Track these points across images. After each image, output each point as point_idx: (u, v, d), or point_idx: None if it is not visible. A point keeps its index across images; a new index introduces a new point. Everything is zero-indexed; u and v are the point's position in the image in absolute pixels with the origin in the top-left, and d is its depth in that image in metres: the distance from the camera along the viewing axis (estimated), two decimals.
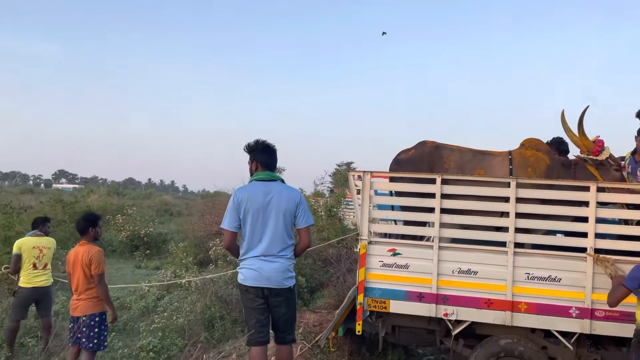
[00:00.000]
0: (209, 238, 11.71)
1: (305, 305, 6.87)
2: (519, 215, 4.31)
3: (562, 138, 5.12)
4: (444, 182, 4.47)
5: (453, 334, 4.52)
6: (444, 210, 4.46)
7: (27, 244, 5.69)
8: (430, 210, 4.51)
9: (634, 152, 4.73)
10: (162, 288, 8.43)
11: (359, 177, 4.66)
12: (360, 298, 4.53)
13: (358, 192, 4.66)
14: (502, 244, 4.35)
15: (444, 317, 4.42)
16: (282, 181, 3.75)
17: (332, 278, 7.78)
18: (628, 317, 3.93)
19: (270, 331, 3.73)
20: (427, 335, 4.84)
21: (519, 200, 4.31)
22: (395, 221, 5.07)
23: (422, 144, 5.00)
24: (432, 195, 4.48)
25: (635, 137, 4.82)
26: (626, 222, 4.40)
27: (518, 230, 4.31)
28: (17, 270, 5.68)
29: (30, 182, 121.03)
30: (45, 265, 5.73)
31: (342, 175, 22.49)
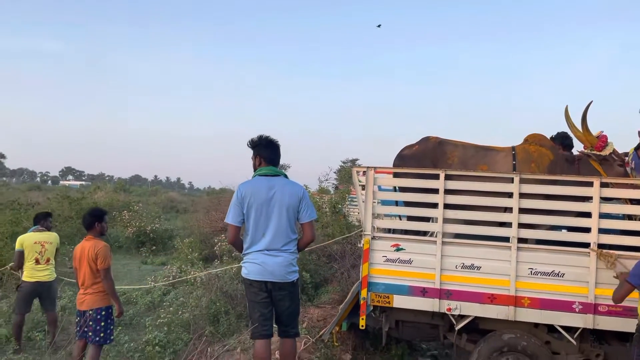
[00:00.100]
0: (215, 234, 11.75)
1: (310, 300, 6.90)
2: (522, 211, 4.32)
3: (566, 133, 5.12)
4: (448, 177, 4.48)
5: (456, 328, 4.53)
6: (447, 206, 4.47)
7: (28, 240, 5.75)
8: (434, 205, 4.52)
9: (637, 148, 4.72)
10: (168, 283, 8.48)
11: (363, 173, 4.68)
12: (363, 293, 4.55)
13: (362, 187, 4.68)
14: (506, 239, 4.36)
15: (447, 312, 4.44)
16: (286, 176, 3.78)
17: (336, 274, 7.80)
18: (631, 312, 3.93)
19: (274, 325, 3.76)
20: (431, 330, 4.87)
21: (522, 195, 4.32)
22: (400, 217, 5.09)
23: (426, 139, 5.01)
24: (435, 191, 4.49)
25: (639, 132, 4.80)
26: (630, 217, 4.40)
27: (521, 225, 4.31)
28: (20, 266, 5.74)
29: (38, 179, 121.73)
30: (48, 260, 5.78)
31: (346, 172, 22.46)
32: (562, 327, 4.29)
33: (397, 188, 4.95)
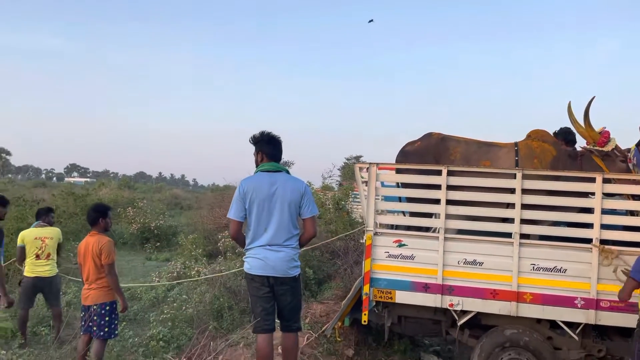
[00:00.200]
0: (218, 230, 11.80)
1: (313, 296, 6.92)
2: (525, 207, 4.32)
3: (568, 129, 5.11)
4: (450, 173, 4.49)
5: (459, 324, 4.55)
6: (449, 202, 4.48)
7: (29, 236, 5.79)
8: (436, 201, 4.53)
9: (638, 144, 4.72)
10: (171, 279, 8.53)
11: (366, 169, 4.69)
12: (366, 288, 4.57)
13: (365, 184, 4.70)
14: (508, 235, 4.37)
15: (449, 308, 4.45)
16: (287, 172, 3.79)
17: (339, 270, 7.82)
18: (632, 308, 3.93)
19: (277, 320, 3.78)
20: (433, 326, 4.88)
21: (525, 191, 4.32)
22: (404, 213, 5.10)
23: (428, 135, 5.01)
24: (438, 187, 4.50)
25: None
26: (632, 213, 4.40)
27: (524, 221, 4.32)
28: (22, 261, 5.78)
29: (43, 175, 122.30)
30: (49, 256, 5.80)
31: (350, 169, 22.49)
32: (564, 322, 4.30)
33: (399, 184, 4.95)
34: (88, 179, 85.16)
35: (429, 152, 4.88)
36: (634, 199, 4.32)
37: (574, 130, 4.89)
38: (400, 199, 5.14)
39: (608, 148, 4.52)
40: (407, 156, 4.95)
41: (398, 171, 4.83)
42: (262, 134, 3.80)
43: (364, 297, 4.58)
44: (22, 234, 5.85)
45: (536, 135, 4.83)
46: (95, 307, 4.54)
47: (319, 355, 4.76)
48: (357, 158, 35.64)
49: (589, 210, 4.30)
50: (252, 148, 3.85)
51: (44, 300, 6.13)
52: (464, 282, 4.42)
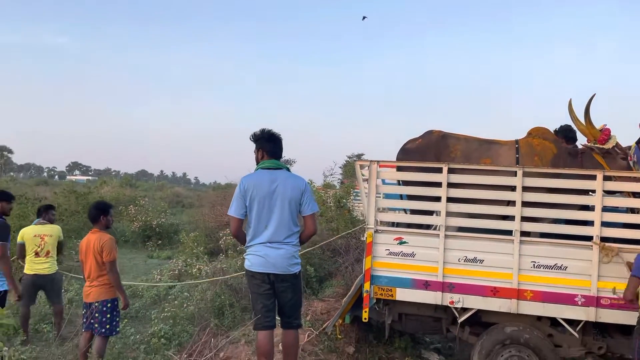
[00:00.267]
0: (220, 228, 11.81)
1: (314, 294, 6.93)
2: (526, 204, 4.32)
3: (569, 126, 5.11)
4: (451, 171, 4.49)
5: (459, 321, 4.56)
6: (450, 199, 4.49)
7: (28, 233, 5.80)
8: (437, 199, 4.53)
9: (638, 142, 4.71)
10: (173, 277, 8.55)
11: (367, 167, 4.69)
12: (366, 286, 4.58)
13: (366, 181, 4.70)
14: (509, 232, 4.37)
15: (450, 305, 4.46)
16: (288, 169, 3.80)
17: (340, 268, 7.82)
18: (632, 305, 3.93)
19: (277, 317, 3.79)
20: (434, 323, 4.89)
21: (526, 189, 4.32)
22: (405, 210, 5.10)
23: (429, 133, 5.02)
24: (438, 184, 4.50)
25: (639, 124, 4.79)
26: (632, 210, 4.40)
27: (524, 219, 4.32)
28: (22, 258, 5.79)
29: (45, 174, 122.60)
30: (48, 253, 5.80)
31: (352, 167, 22.46)
32: (564, 320, 4.30)
33: (400, 182, 4.96)
34: (90, 177, 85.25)
35: (429, 150, 4.88)
36: (634, 197, 4.32)
37: (575, 128, 4.88)
38: (401, 197, 5.15)
39: (609, 145, 4.52)
40: (408, 154, 4.95)
41: (399, 169, 4.83)
42: (263, 131, 3.81)
43: (364, 294, 4.59)
44: (22, 231, 5.86)
45: (537, 133, 4.83)
46: (96, 304, 4.56)
47: (319, 353, 4.77)
48: (359, 156, 35.59)
49: (589, 208, 4.30)
50: (253, 146, 3.86)
51: (46, 298, 6.14)
52: (465, 279, 4.42)
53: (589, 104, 4.56)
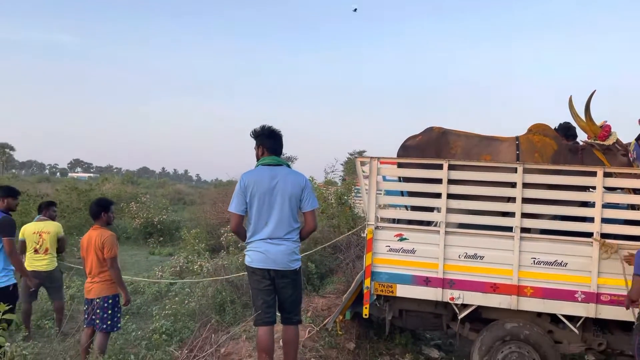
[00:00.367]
0: (221, 225, 11.84)
1: (315, 290, 6.94)
2: (526, 201, 4.32)
3: (569, 123, 5.10)
4: (451, 167, 4.50)
5: (459, 317, 4.57)
6: (450, 196, 4.49)
7: (28, 230, 5.84)
8: (437, 195, 4.53)
9: (637, 138, 4.71)
10: (174, 273, 8.57)
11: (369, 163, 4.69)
12: (367, 282, 4.59)
13: (366, 178, 4.71)
14: (509, 229, 4.37)
15: (450, 301, 4.47)
16: (288, 166, 3.80)
17: (341, 264, 7.83)
18: (633, 302, 3.93)
19: (277, 312, 3.80)
20: (434, 319, 4.90)
21: (526, 185, 4.33)
22: (406, 207, 5.11)
23: (429, 130, 5.02)
24: (439, 181, 4.51)
25: (639, 120, 4.78)
26: (633, 207, 4.40)
27: (524, 215, 4.32)
28: (23, 255, 5.81)
29: (47, 171, 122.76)
30: (47, 250, 5.83)
31: (353, 164, 22.44)
32: (564, 316, 4.31)
33: (401, 178, 4.96)
34: (91, 174, 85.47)
35: (430, 146, 4.89)
36: (634, 193, 4.32)
37: (575, 125, 4.88)
38: (402, 193, 5.15)
39: (609, 142, 4.51)
40: (409, 150, 4.96)
41: (399, 165, 4.83)
42: (263, 128, 3.81)
43: (365, 290, 4.60)
44: (23, 228, 5.89)
45: (537, 129, 4.83)
46: (98, 300, 4.58)
47: (320, 349, 4.78)
48: (361, 153, 35.60)
49: (589, 204, 4.30)
50: (253, 142, 3.87)
51: (48, 295, 6.17)
52: (465, 275, 4.43)
53: (589, 101, 4.56)
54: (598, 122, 4.59)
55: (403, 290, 4.57)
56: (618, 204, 4.56)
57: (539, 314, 4.47)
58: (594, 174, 4.19)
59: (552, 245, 4.28)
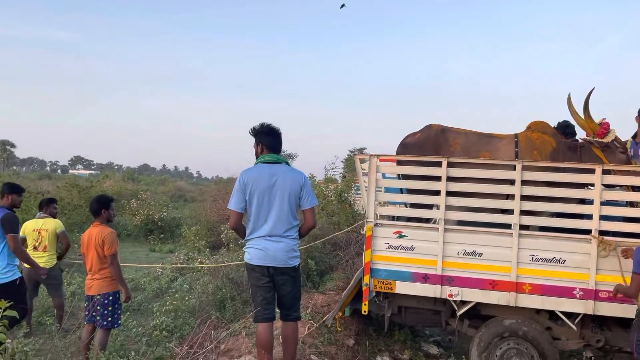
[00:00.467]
0: (221, 222, 11.86)
1: (315, 287, 6.97)
2: (524, 198, 4.34)
3: (568, 121, 5.11)
4: (450, 164, 4.51)
5: (458, 314, 4.59)
6: (449, 193, 4.51)
7: (28, 227, 5.88)
8: (436, 192, 4.55)
9: (634, 136, 4.72)
10: (175, 270, 8.59)
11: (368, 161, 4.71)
12: (366, 279, 4.61)
13: (365, 175, 4.72)
14: (507, 226, 4.39)
15: (449, 298, 4.49)
16: (287, 163, 3.81)
17: (341, 261, 7.86)
18: (630, 298, 3.95)
19: (277, 309, 3.82)
20: (433, 316, 4.93)
21: (525, 182, 4.34)
22: (405, 204, 5.13)
23: (429, 127, 5.03)
24: (438, 178, 4.52)
25: (636, 117, 4.79)
26: (631, 204, 4.41)
27: (523, 212, 4.34)
28: None
29: (48, 168, 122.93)
30: (45, 248, 5.85)
31: (353, 161, 22.41)
32: (563, 313, 4.33)
33: (400, 176, 4.98)
34: (92, 171, 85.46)
35: (429, 144, 4.90)
36: (633, 190, 4.33)
37: (574, 123, 4.89)
38: (401, 191, 5.17)
39: (608, 139, 4.52)
40: (408, 148, 4.97)
41: (398, 162, 4.85)
42: (262, 125, 3.82)
43: (364, 287, 4.62)
44: (24, 225, 5.91)
45: (536, 127, 4.83)
46: (98, 297, 4.60)
47: (319, 345, 4.80)
48: (361, 150, 35.62)
49: (588, 202, 4.31)
50: (252, 140, 3.88)
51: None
52: (464, 272, 4.45)
53: (588, 98, 4.56)
54: (597, 120, 4.60)
55: (402, 287, 4.59)
56: (617, 201, 4.57)
57: (538, 311, 4.49)
58: (592, 171, 4.20)
59: (551, 242, 4.29)
